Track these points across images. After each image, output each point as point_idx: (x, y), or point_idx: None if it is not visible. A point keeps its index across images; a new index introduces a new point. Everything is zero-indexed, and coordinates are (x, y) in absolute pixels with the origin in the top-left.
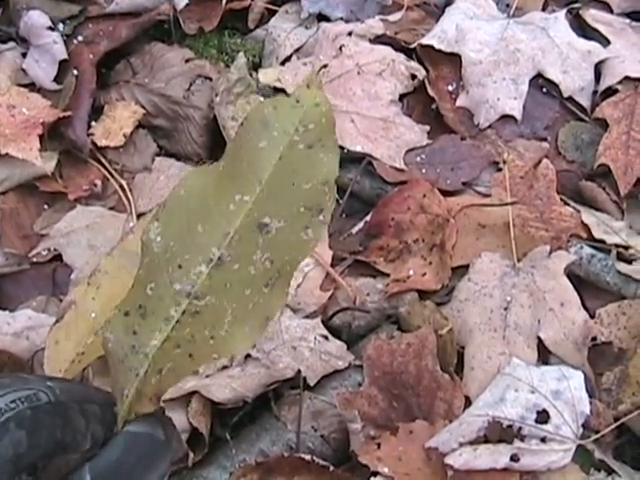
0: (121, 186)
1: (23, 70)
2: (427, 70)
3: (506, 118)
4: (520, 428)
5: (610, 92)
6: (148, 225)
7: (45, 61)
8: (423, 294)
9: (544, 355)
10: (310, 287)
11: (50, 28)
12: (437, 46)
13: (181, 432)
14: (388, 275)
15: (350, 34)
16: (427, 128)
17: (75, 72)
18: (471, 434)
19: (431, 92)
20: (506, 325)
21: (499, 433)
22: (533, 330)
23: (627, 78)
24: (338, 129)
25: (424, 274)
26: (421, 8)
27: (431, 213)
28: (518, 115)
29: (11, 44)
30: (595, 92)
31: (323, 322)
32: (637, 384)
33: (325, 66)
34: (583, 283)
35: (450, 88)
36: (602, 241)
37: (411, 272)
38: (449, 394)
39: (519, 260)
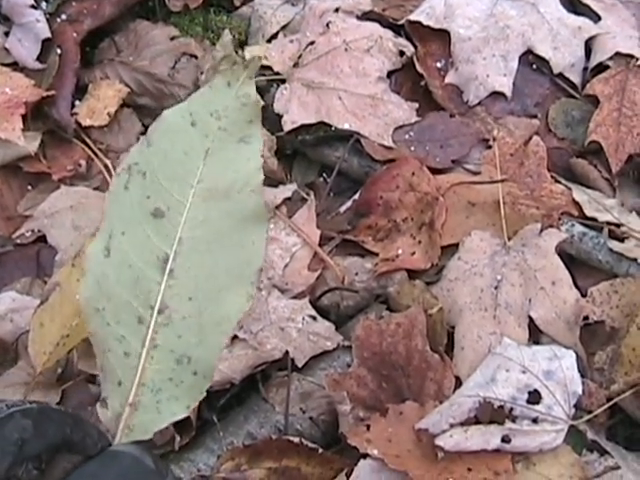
0: (106, 166)
1: (6, 49)
2: (415, 47)
3: (496, 95)
4: (511, 409)
5: (601, 68)
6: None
7: (28, 40)
8: (412, 273)
9: (535, 335)
10: (298, 267)
11: (33, 6)
12: (425, 22)
13: None
14: (377, 254)
15: (337, 10)
16: (416, 105)
17: (59, 51)
18: (462, 415)
19: (420, 69)
20: (497, 304)
21: (490, 414)
22: (524, 309)
23: (618, 54)
24: (326, 107)
25: (413, 253)
26: None
27: (420, 191)
28: (508, 92)
29: None
30: (586, 68)
31: (311, 302)
32: (630, 363)
33: (312, 43)
34: (574, 261)
35: (439, 65)
36: (594, 219)
37: (400, 251)
38: (439, 374)
39: (509, 238)
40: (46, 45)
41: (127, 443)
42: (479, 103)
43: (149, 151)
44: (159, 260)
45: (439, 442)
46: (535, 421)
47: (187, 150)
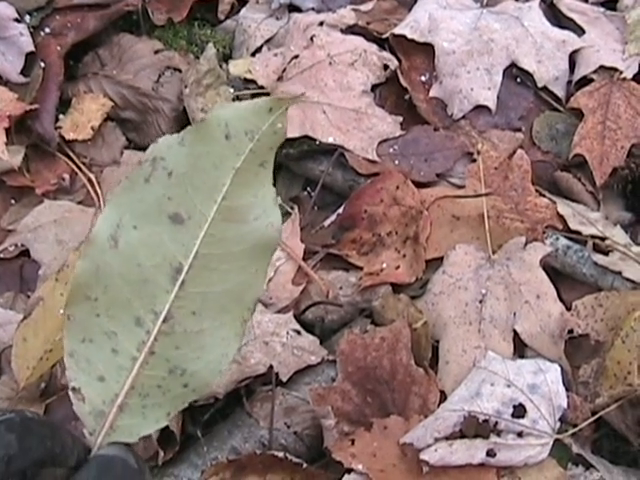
0: (89, 180)
1: None
2: (399, 60)
3: (480, 108)
4: (496, 423)
5: (585, 82)
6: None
7: (12, 53)
8: (397, 287)
9: (520, 348)
10: (282, 281)
11: (16, 20)
12: (410, 36)
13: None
14: (361, 268)
15: (321, 24)
16: (400, 119)
17: (42, 64)
18: (447, 429)
19: (404, 82)
20: (481, 318)
21: (475, 428)
22: (509, 323)
23: (602, 67)
24: (310, 120)
25: (398, 267)
26: None
27: (404, 205)
28: (492, 105)
29: None
30: (570, 82)
31: (295, 317)
32: (614, 377)
33: (296, 57)
34: (559, 275)
35: (423, 78)
36: (578, 232)
37: (384, 265)
38: (424, 389)
39: (494, 252)
40: (30, 59)
41: (111, 445)
42: (463, 117)
43: (181, 151)
44: (171, 268)
45: (424, 456)
46: (520, 435)
47: (218, 164)
